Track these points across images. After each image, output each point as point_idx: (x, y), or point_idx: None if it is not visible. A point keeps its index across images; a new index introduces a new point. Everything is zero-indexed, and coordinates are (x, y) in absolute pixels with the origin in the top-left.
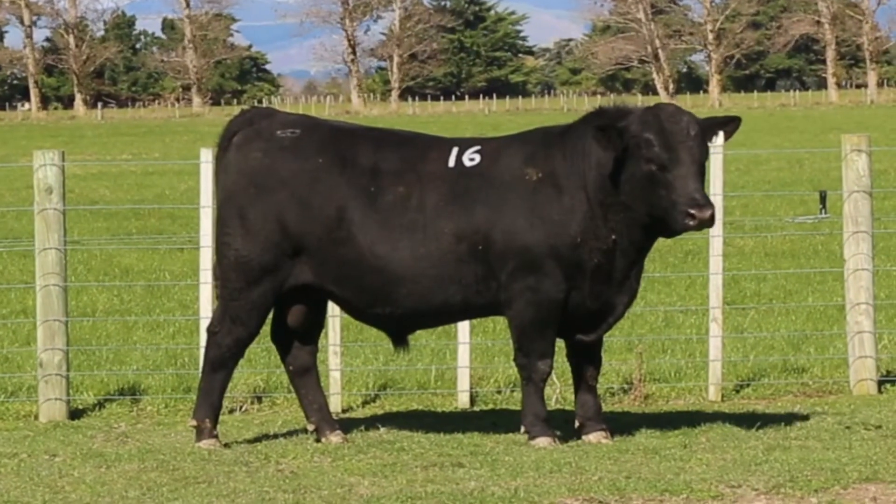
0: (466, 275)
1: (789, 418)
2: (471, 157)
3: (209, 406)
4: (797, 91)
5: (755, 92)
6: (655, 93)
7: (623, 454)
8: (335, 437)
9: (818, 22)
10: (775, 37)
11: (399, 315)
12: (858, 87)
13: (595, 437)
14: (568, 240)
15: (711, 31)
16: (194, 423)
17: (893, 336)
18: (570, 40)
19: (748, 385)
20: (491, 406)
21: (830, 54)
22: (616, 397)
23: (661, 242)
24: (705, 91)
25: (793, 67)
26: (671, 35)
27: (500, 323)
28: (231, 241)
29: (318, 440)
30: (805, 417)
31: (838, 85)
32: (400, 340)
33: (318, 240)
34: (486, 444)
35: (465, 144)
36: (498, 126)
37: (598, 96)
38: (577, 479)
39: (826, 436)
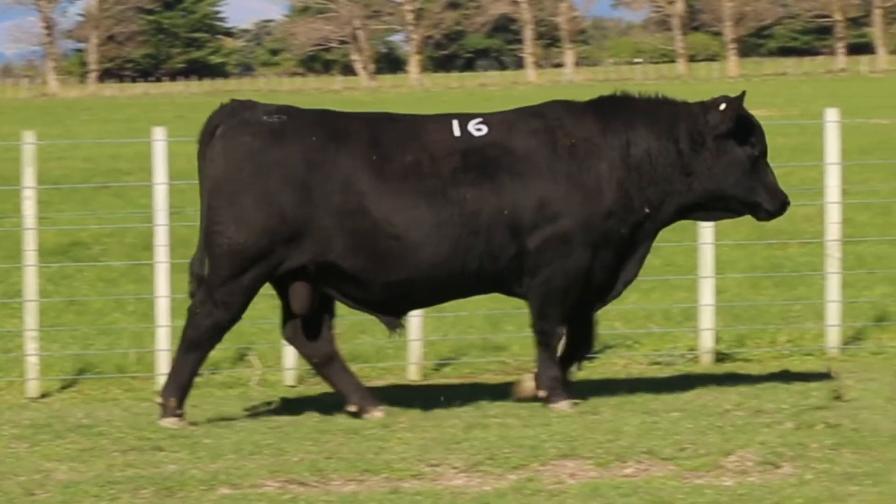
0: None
1: (489, 396)
2: (478, 127)
3: (177, 385)
4: (496, 71)
5: (455, 72)
6: (355, 73)
7: (323, 434)
8: (379, 413)
9: (516, 2)
10: (474, 17)
11: (411, 283)
12: (556, 66)
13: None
14: (601, 210)
15: (411, 11)
16: (160, 400)
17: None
18: (269, 21)
19: (448, 364)
20: (194, 389)
21: (528, 34)
22: (316, 379)
23: None
24: (405, 71)
25: (491, 47)
26: (371, 16)
27: None
28: (223, 229)
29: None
30: (504, 395)
31: (537, 64)
32: (394, 322)
33: (323, 216)
34: (186, 428)
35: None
36: (197, 107)
37: (298, 77)
38: (277, 461)
39: (525, 413)
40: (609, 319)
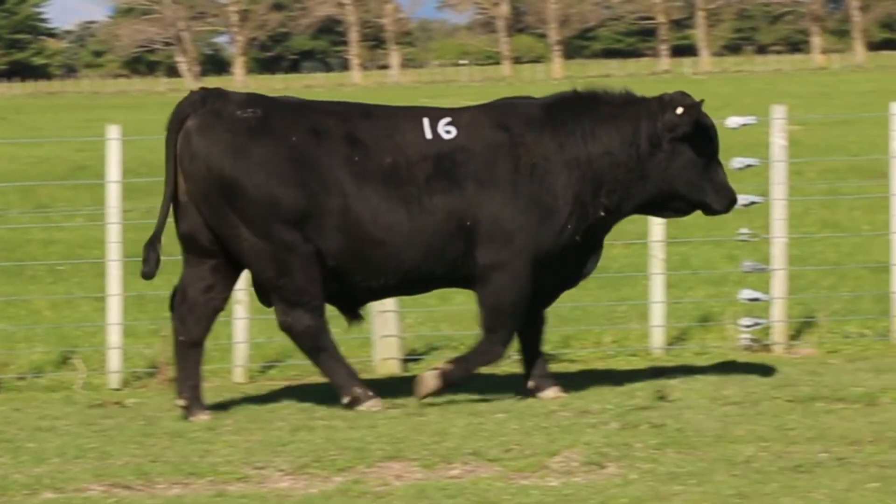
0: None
1: (316, 398)
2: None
3: (348, 375)
4: (322, 73)
5: (280, 73)
6: (179, 75)
7: (148, 438)
8: (204, 416)
9: (341, 4)
10: (299, 18)
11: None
12: (382, 67)
13: (552, 392)
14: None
15: (235, 12)
16: (346, 400)
17: (419, 316)
18: (92, 22)
19: (274, 366)
20: (14, 392)
21: (354, 36)
22: (141, 381)
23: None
24: (230, 73)
25: (317, 49)
26: (195, 17)
27: (29, 307)
28: (238, 233)
29: (186, 418)
30: (332, 397)
31: (362, 66)
32: (355, 315)
33: (311, 214)
34: (9, 431)
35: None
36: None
37: (123, 79)
38: (101, 465)
39: (351, 415)
40: (435, 321)
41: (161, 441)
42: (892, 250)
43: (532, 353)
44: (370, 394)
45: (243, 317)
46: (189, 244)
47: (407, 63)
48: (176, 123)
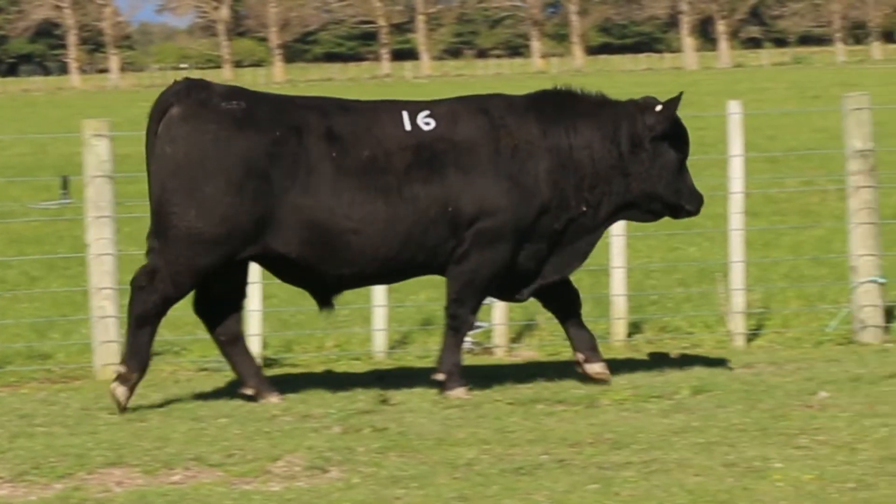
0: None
1: (34, 405)
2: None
3: (138, 362)
4: (40, 76)
5: None
6: None
7: None
8: (274, 398)
9: (59, 7)
10: (16, 21)
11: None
12: (102, 71)
13: (598, 367)
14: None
15: None
16: (123, 370)
17: None
18: None
19: None
20: None
21: (72, 39)
22: None
23: None
24: None
25: (35, 52)
26: None
27: None
28: (182, 212)
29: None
30: (51, 403)
31: (81, 70)
32: (327, 302)
33: (284, 208)
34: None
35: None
36: None
37: None
38: None
39: (71, 421)
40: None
41: None
42: (611, 254)
43: (575, 328)
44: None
45: None
46: None
47: (127, 67)
48: (158, 112)
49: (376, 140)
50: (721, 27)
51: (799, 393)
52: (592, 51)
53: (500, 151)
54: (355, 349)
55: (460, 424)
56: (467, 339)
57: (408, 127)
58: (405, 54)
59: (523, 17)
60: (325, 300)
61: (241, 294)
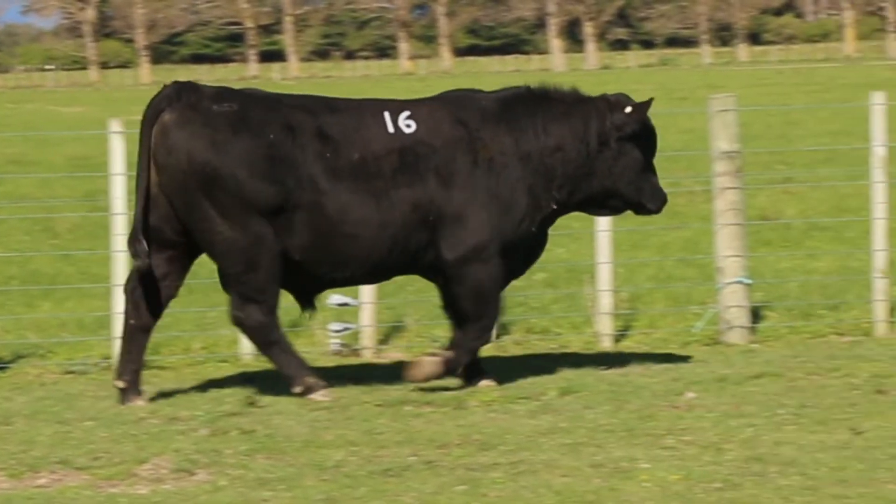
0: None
1: None
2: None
3: (299, 366)
4: None
5: None
6: None
7: None
8: (140, 401)
9: None
10: None
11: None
12: None
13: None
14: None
15: None
16: (299, 390)
17: (5, 323)
18: None
19: None
20: None
21: None
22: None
23: None
24: None
25: None
26: None
27: None
28: (212, 226)
29: (121, 402)
30: None
31: None
32: (310, 303)
33: (285, 209)
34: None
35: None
36: None
37: None
38: None
39: None
40: (21, 328)
41: None
42: None
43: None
44: (322, 383)
45: None
46: (154, 235)
47: None
48: (151, 118)
49: (364, 141)
50: (588, 29)
51: (666, 393)
52: (460, 52)
53: (478, 163)
54: (223, 351)
55: (328, 426)
56: (335, 340)
57: (391, 129)
58: (273, 56)
59: (391, 19)
60: (308, 301)
61: (174, 289)
